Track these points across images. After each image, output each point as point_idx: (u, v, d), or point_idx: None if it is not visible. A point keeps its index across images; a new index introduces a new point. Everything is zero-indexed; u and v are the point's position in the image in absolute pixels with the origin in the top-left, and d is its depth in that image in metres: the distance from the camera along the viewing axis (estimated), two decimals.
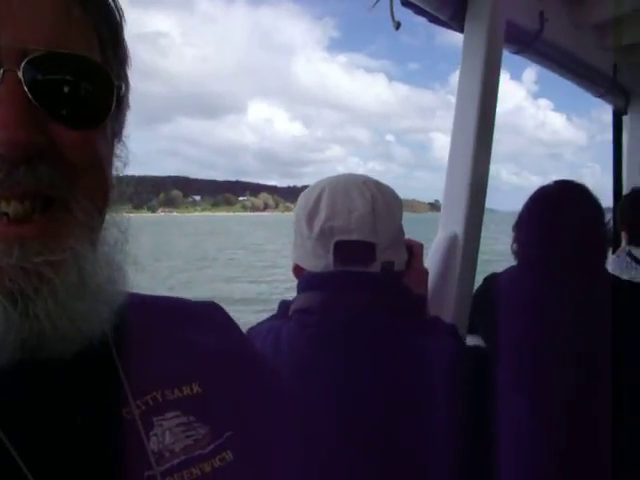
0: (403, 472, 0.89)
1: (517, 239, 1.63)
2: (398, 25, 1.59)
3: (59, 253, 0.45)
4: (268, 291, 17.55)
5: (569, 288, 1.47)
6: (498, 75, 1.83)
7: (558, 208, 1.54)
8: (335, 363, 0.95)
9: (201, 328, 0.66)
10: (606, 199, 3.29)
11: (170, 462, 0.52)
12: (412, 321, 1.00)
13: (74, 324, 0.47)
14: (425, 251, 1.26)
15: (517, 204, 1.67)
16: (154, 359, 0.58)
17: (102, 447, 0.49)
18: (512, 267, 1.66)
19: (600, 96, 3.09)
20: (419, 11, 1.77)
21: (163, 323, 0.63)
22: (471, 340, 1.64)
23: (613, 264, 2.41)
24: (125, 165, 0.57)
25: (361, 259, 1.00)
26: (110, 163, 0.54)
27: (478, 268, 1.83)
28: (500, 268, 1.73)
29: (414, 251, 1.16)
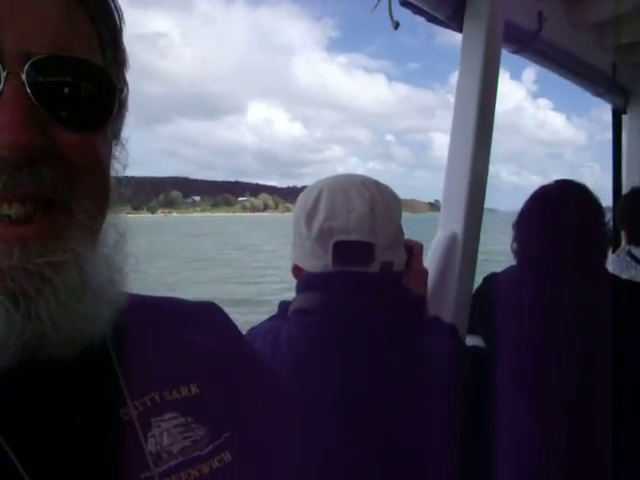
0: (402, 472, 0.89)
1: (517, 238, 1.63)
2: (397, 25, 1.59)
3: (60, 254, 0.45)
4: (257, 292, 17.52)
5: (569, 288, 1.47)
6: (497, 74, 1.83)
7: (558, 208, 1.54)
8: (334, 363, 0.95)
9: (200, 329, 0.66)
10: (606, 198, 3.28)
11: (168, 463, 0.52)
12: (411, 321, 1.00)
13: (75, 325, 0.47)
14: (425, 251, 1.26)
15: (517, 204, 1.67)
16: (152, 360, 0.58)
17: (99, 448, 0.49)
18: (512, 267, 1.66)
19: (599, 95, 3.09)
20: (418, 11, 1.77)
21: (162, 324, 0.63)
22: (471, 340, 1.63)
23: (613, 263, 2.41)
24: (124, 167, 0.57)
25: (360, 259, 1.00)
26: (109, 165, 0.54)
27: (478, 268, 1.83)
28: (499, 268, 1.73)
29: (414, 251, 1.16)
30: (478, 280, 1.80)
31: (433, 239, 1.78)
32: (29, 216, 0.45)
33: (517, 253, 1.63)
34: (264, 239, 51.96)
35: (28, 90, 0.44)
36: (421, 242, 1.21)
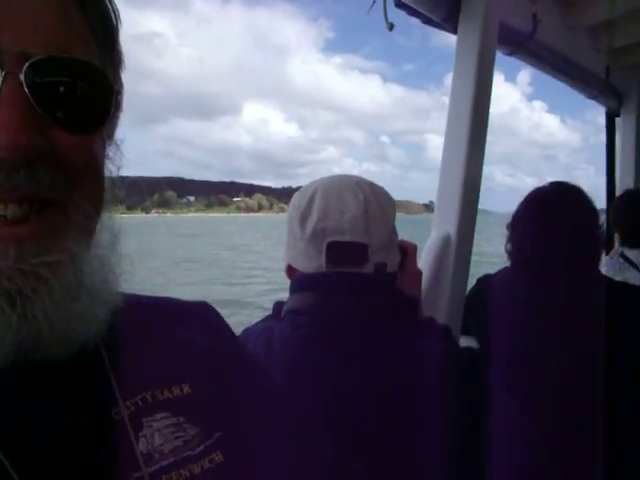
0: (395, 473, 0.89)
1: (511, 239, 1.63)
2: (391, 26, 1.59)
3: (56, 254, 0.45)
4: (243, 294, 17.42)
5: (562, 289, 1.47)
6: (491, 76, 1.83)
7: (553, 210, 1.55)
8: (326, 364, 0.94)
9: (192, 328, 0.66)
10: (600, 200, 3.30)
11: (159, 463, 0.52)
12: (405, 322, 1.00)
13: (70, 325, 0.47)
14: (419, 252, 1.26)
15: (512, 205, 1.68)
16: (144, 359, 0.58)
17: (90, 448, 0.49)
18: (505, 268, 1.66)
19: (593, 98, 3.10)
20: (413, 12, 1.77)
21: (154, 323, 0.63)
22: (464, 341, 1.64)
23: (606, 265, 2.42)
24: (119, 168, 0.57)
25: (354, 260, 1.00)
26: (104, 166, 0.54)
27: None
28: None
29: (408, 252, 1.16)
30: (471, 281, 1.80)
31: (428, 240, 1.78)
32: (25, 216, 0.45)
33: (511, 254, 1.64)
34: (256, 240, 51.98)
35: (26, 90, 0.44)
36: (415, 243, 1.21)
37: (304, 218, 1.02)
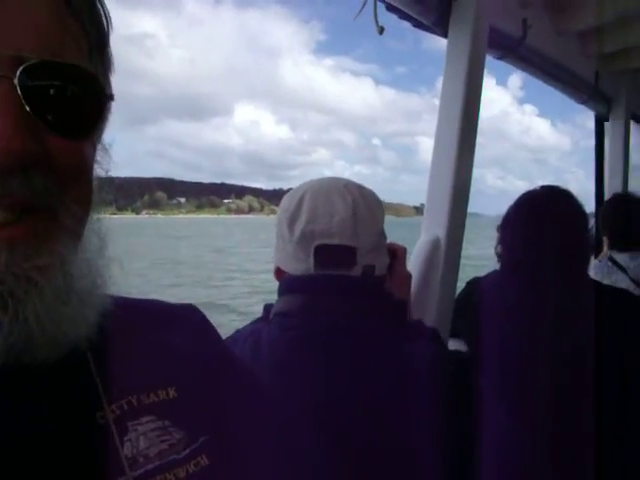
0: (385, 475, 0.88)
1: (501, 242, 1.64)
2: (382, 30, 1.60)
3: (46, 258, 0.45)
4: (217, 296, 17.18)
5: (553, 292, 1.48)
6: (481, 79, 1.84)
7: (544, 213, 1.56)
8: (315, 366, 0.94)
9: (179, 331, 0.66)
10: (590, 204, 3.33)
11: (144, 467, 0.52)
12: (393, 325, 1.00)
13: (60, 328, 0.47)
14: (409, 255, 1.26)
15: (502, 208, 1.68)
16: (130, 363, 0.57)
17: (74, 452, 0.49)
18: (495, 271, 1.67)
19: (582, 102, 3.13)
20: (403, 16, 1.78)
21: (140, 326, 0.63)
22: (453, 344, 1.64)
23: (595, 269, 2.43)
24: (107, 172, 0.57)
25: (342, 263, 1.00)
26: (93, 169, 0.54)
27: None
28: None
29: (397, 255, 1.16)
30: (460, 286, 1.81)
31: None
32: (16, 218, 0.44)
33: (501, 257, 1.64)
34: (242, 242, 51.92)
35: (20, 95, 0.44)
36: (405, 246, 1.22)
37: (293, 220, 1.02)
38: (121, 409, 0.54)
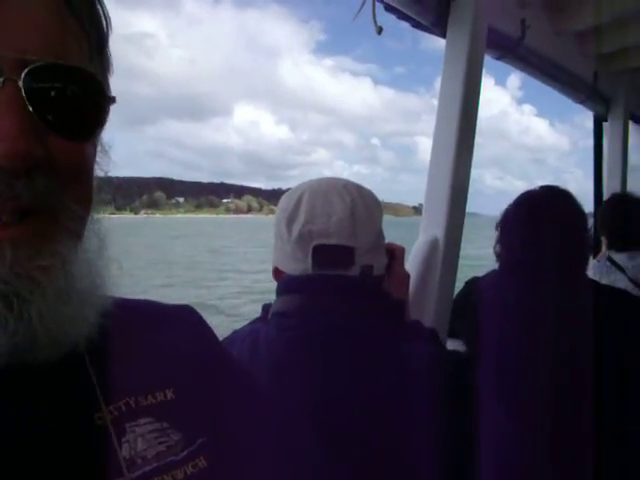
0: (383, 475, 0.88)
1: (500, 241, 1.64)
2: (380, 30, 1.60)
3: (48, 258, 0.46)
4: (207, 296, 17.20)
5: (552, 292, 1.48)
6: (480, 79, 1.84)
7: (543, 213, 1.56)
8: (313, 367, 0.94)
9: (176, 332, 0.66)
10: (588, 204, 3.33)
11: (142, 469, 0.52)
12: (391, 325, 1.00)
13: (62, 328, 0.47)
14: (407, 255, 1.26)
15: (500, 208, 1.68)
16: (128, 364, 0.57)
17: (72, 454, 0.49)
18: (493, 271, 1.67)
19: (581, 103, 3.13)
20: (402, 16, 1.78)
21: (138, 327, 0.63)
22: (451, 344, 1.64)
23: (593, 269, 2.43)
24: (106, 173, 0.57)
25: (340, 263, 1.00)
26: (93, 170, 0.55)
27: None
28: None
29: (395, 255, 1.16)
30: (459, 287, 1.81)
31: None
32: (18, 219, 0.45)
33: (500, 256, 1.64)
34: (238, 242, 51.88)
35: (24, 97, 0.44)
36: (403, 246, 1.21)
37: (291, 220, 1.02)
38: (119, 410, 0.54)
